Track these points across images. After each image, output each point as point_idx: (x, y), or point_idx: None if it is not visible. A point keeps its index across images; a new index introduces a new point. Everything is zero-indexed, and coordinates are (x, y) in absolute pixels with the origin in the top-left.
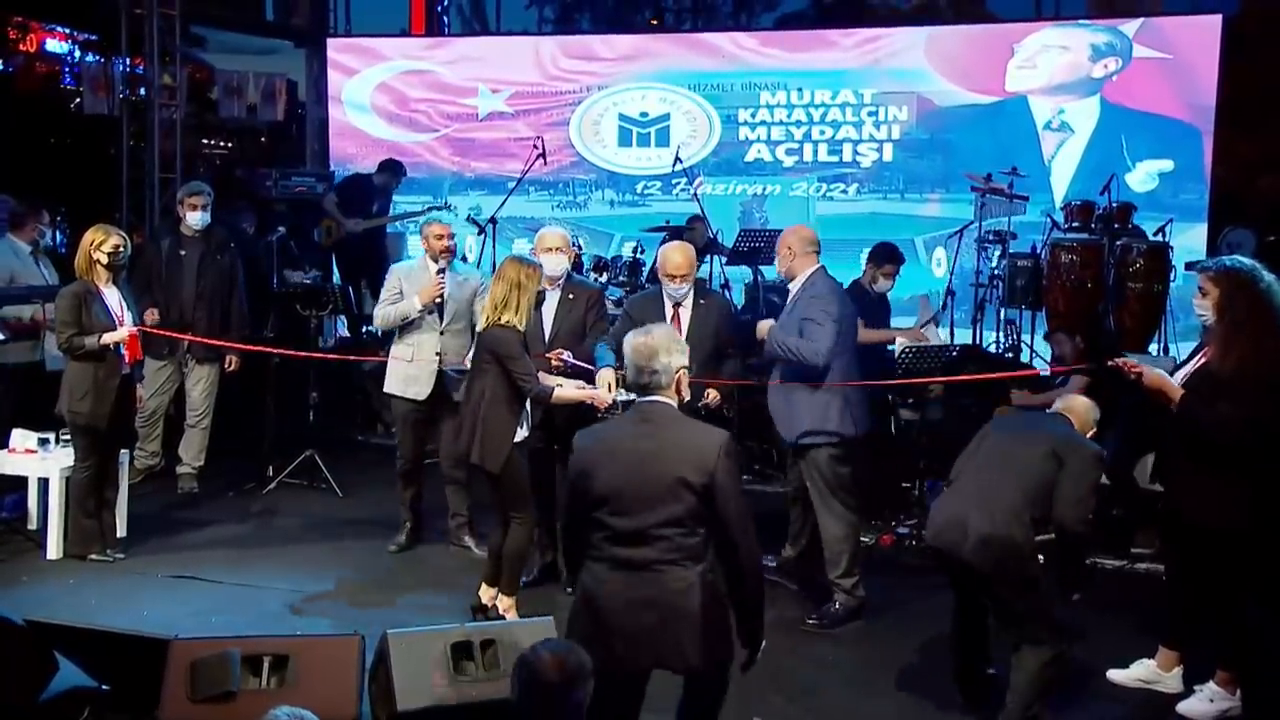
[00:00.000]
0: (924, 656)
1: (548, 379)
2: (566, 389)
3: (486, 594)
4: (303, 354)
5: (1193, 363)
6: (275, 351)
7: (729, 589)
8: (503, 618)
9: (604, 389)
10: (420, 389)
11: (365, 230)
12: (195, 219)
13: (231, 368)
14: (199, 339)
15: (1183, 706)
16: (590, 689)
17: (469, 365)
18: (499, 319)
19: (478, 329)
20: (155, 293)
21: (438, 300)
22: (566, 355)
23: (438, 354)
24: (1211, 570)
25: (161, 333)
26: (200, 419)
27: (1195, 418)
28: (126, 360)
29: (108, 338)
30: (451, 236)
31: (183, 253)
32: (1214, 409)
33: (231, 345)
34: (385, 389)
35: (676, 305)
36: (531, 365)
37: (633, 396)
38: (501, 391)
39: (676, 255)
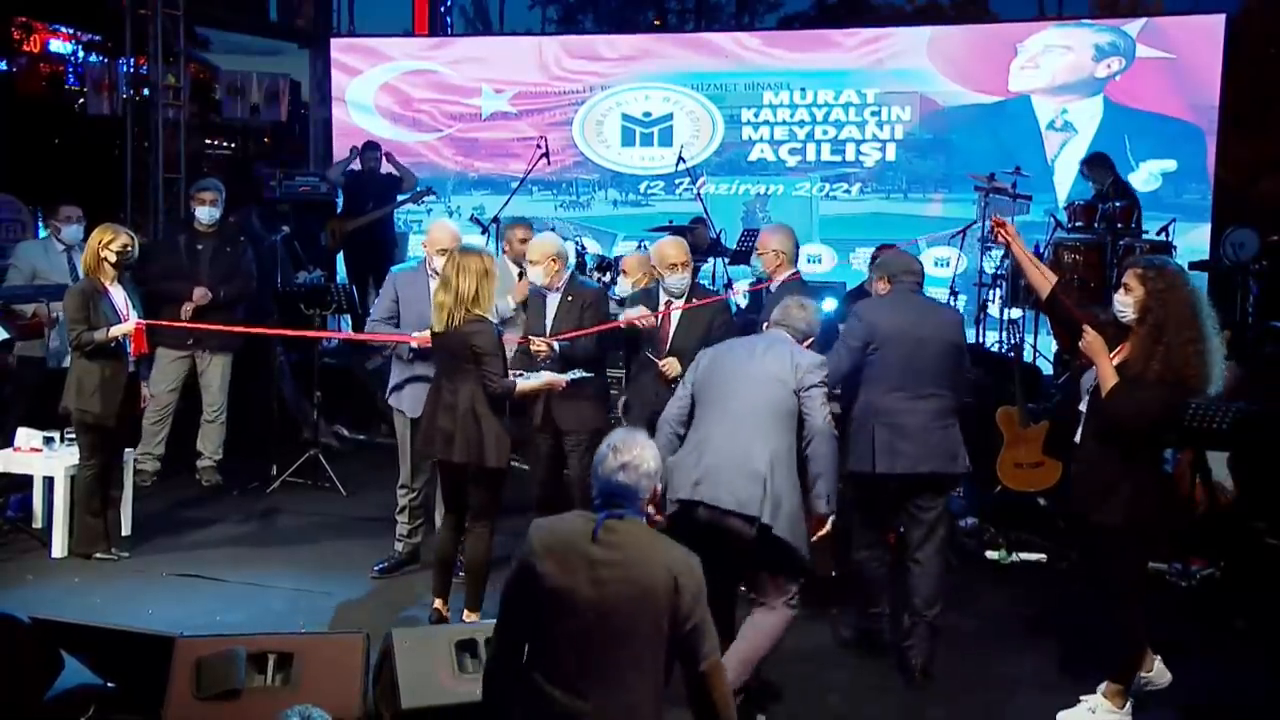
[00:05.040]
0: None
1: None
2: (529, 381)
3: (441, 606)
4: (309, 333)
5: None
6: (280, 333)
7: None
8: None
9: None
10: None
11: (370, 229)
12: (205, 214)
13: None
14: (211, 327)
15: (1063, 716)
16: None
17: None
18: (470, 314)
19: (435, 329)
20: (176, 286)
21: None
22: (555, 344)
23: None
24: (1105, 567)
25: (167, 325)
26: (218, 414)
27: (1123, 409)
28: (131, 354)
29: (115, 330)
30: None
31: (199, 247)
32: (1138, 404)
33: (239, 328)
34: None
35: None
36: (501, 365)
37: (580, 374)
38: (486, 389)
39: (670, 247)
